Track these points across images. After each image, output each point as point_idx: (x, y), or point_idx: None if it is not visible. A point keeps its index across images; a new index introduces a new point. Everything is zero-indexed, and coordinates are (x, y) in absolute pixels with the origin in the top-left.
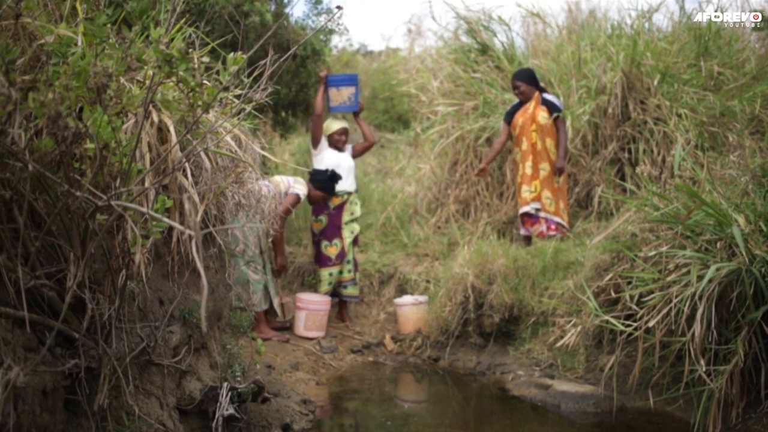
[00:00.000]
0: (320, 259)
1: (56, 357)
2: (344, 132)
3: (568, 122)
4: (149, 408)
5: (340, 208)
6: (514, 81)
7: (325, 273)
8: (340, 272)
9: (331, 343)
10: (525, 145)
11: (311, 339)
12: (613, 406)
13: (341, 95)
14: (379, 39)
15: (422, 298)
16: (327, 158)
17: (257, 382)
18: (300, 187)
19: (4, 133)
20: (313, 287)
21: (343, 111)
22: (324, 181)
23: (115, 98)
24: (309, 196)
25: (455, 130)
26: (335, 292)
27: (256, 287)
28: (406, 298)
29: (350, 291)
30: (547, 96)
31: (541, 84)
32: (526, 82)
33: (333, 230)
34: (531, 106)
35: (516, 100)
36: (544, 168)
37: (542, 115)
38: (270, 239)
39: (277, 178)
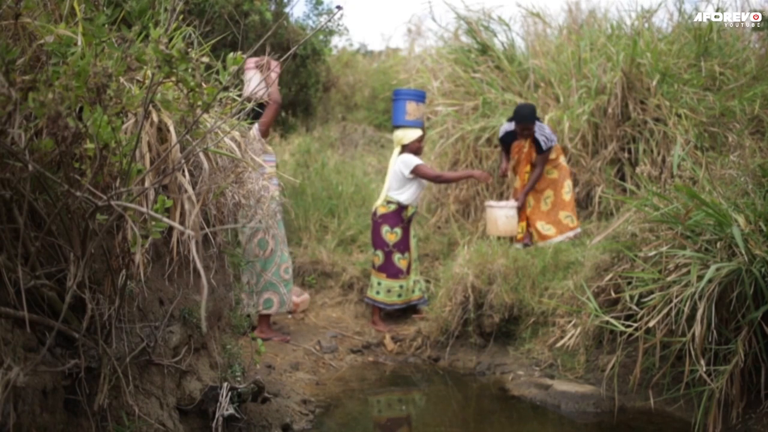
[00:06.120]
0: (391, 270)
1: (56, 357)
2: (422, 138)
3: (568, 123)
4: (149, 408)
5: (410, 220)
6: (526, 125)
7: (396, 285)
8: (412, 289)
9: (331, 343)
10: (517, 182)
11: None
12: (613, 406)
13: (419, 111)
14: (379, 39)
15: (512, 203)
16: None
17: (257, 382)
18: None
19: (4, 133)
20: (312, 286)
21: (410, 125)
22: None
23: (115, 98)
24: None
25: (455, 130)
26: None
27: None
28: (501, 203)
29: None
30: (538, 134)
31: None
32: (534, 121)
33: (405, 243)
34: (526, 144)
35: (510, 123)
36: (530, 204)
37: (535, 155)
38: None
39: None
